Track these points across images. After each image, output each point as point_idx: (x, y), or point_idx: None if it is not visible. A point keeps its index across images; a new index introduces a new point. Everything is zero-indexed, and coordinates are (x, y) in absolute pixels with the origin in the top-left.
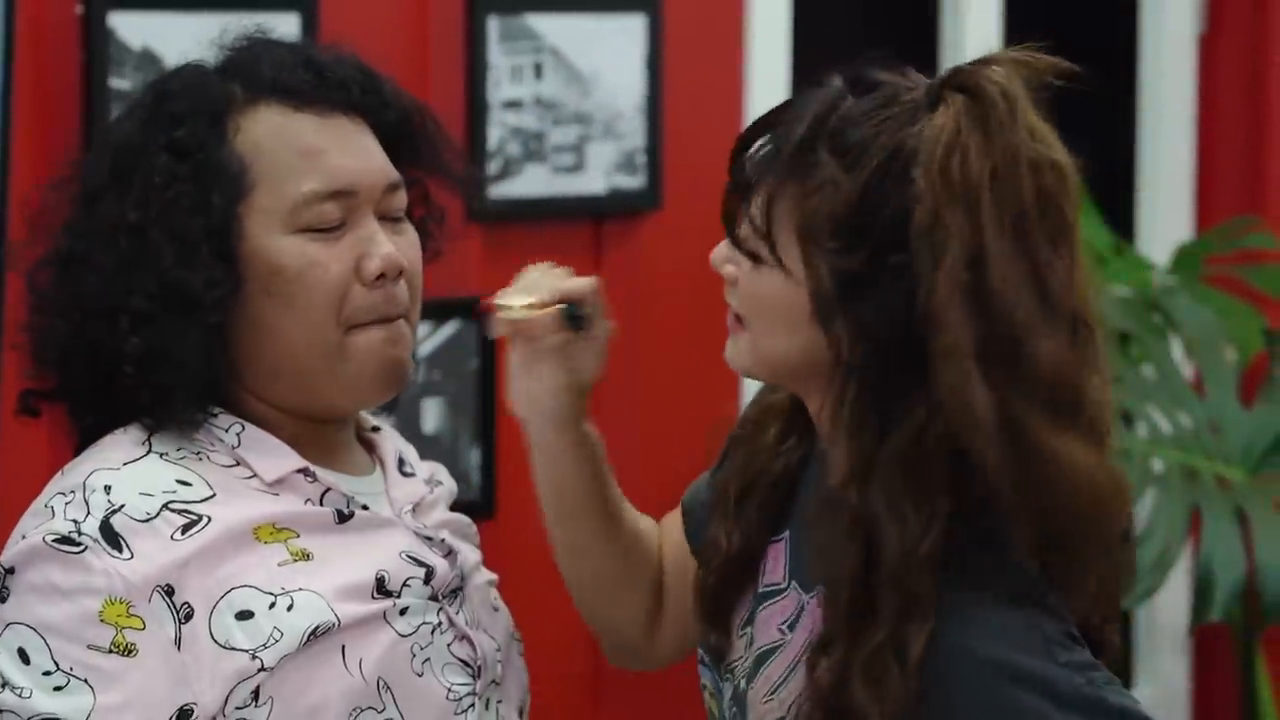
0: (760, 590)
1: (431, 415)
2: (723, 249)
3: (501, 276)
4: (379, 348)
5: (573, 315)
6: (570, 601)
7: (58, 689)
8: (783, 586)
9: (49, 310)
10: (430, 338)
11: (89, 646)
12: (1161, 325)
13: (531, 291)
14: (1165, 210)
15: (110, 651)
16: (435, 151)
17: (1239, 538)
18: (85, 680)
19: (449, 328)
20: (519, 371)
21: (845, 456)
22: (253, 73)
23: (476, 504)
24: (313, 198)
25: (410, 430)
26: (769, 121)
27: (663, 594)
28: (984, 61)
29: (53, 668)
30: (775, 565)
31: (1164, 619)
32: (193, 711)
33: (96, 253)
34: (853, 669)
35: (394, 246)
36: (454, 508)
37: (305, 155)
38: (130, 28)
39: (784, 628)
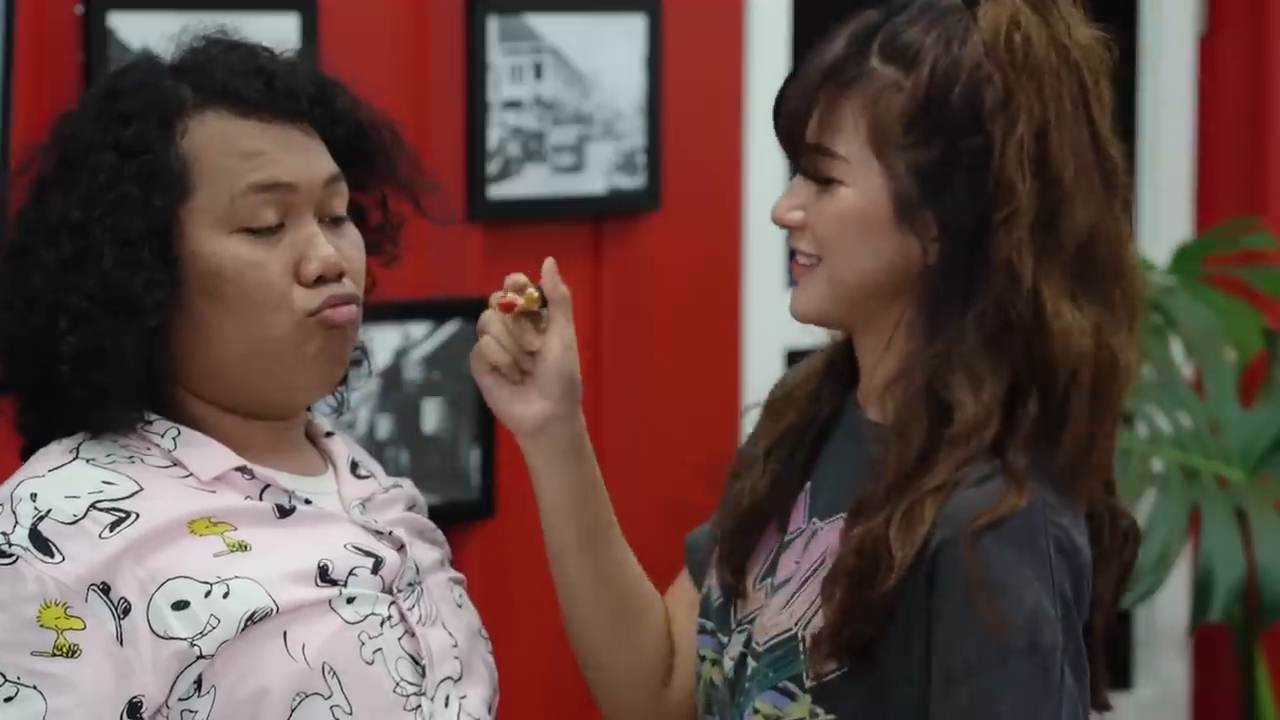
0: (784, 539)
1: (431, 415)
2: (782, 198)
3: (501, 276)
4: (323, 335)
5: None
6: None
7: (8, 700)
8: (803, 528)
9: None
10: (430, 338)
11: (33, 653)
12: (1161, 325)
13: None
14: (1165, 210)
15: (54, 655)
16: (391, 165)
17: (1239, 538)
18: (34, 687)
19: (449, 328)
20: (494, 394)
21: (923, 337)
22: (204, 77)
23: (476, 504)
24: (249, 189)
25: (410, 430)
26: (809, 58)
27: (673, 657)
28: None
29: (1, 680)
30: (797, 514)
31: (1164, 619)
32: (141, 704)
33: (40, 248)
34: (894, 515)
35: (333, 249)
36: (452, 507)
37: (245, 157)
38: (130, 28)
39: (797, 561)
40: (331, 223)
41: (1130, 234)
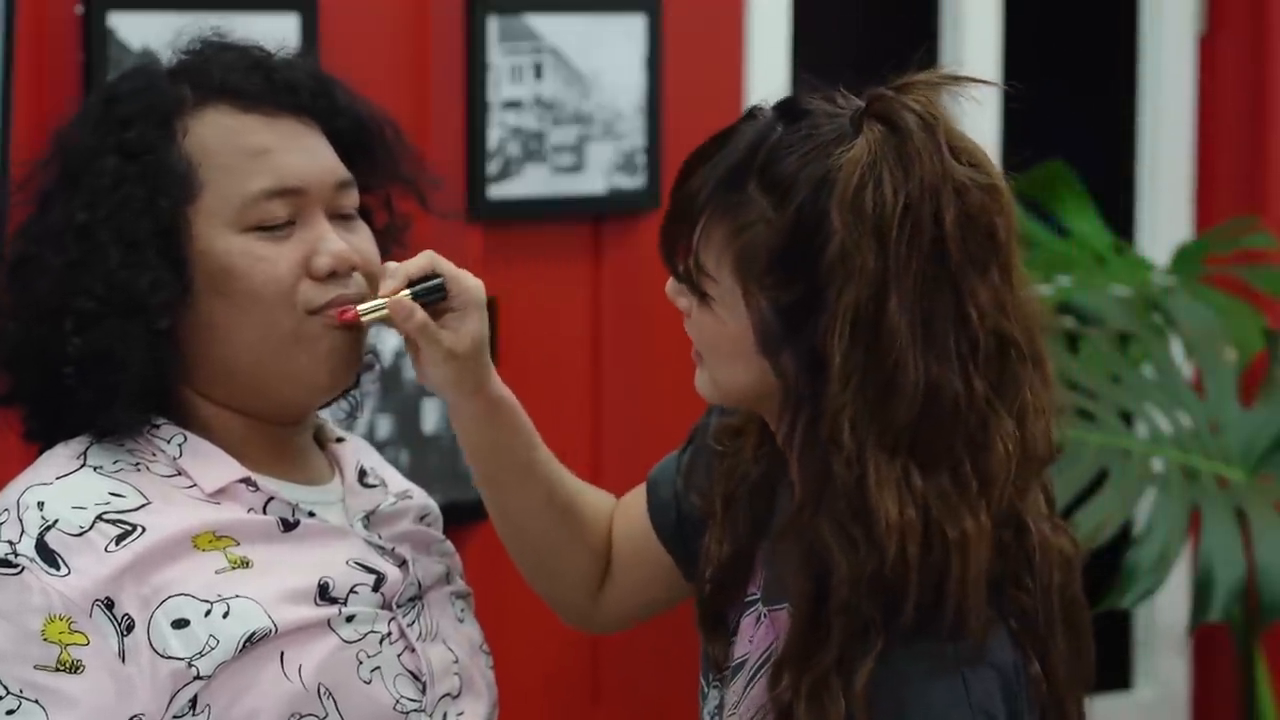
0: (745, 598)
1: (431, 415)
2: (675, 283)
3: (501, 276)
4: (335, 333)
5: (424, 291)
6: None
7: (10, 713)
8: (757, 596)
9: (2, 312)
10: None
11: (36, 666)
12: (1161, 325)
13: (383, 288)
14: (1165, 210)
15: (57, 670)
16: (393, 160)
17: (1239, 538)
18: (36, 701)
19: None
20: (412, 352)
21: (799, 482)
22: (202, 75)
23: (476, 504)
24: (261, 196)
25: (410, 430)
26: (705, 154)
27: (609, 564)
28: (904, 86)
29: (3, 692)
30: (755, 575)
31: (1164, 619)
32: None
33: (46, 254)
34: (800, 691)
35: (345, 244)
36: (451, 507)
37: (252, 155)
38: (130, 28)
39: (750, 639)
40: (342, 219)
41: (1010, 388)
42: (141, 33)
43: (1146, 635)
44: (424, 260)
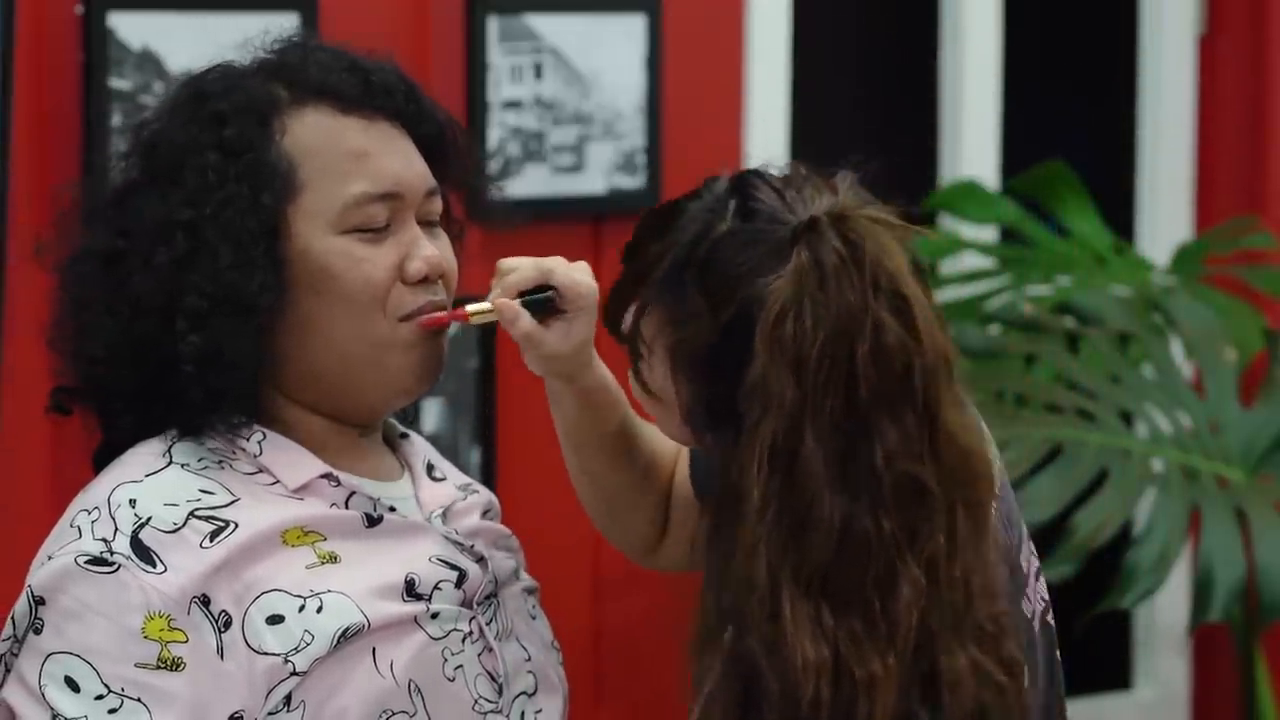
0: None
1: (431, 415)
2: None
3: None
4: (425, 339)
5: (534, 302)
6: (571, 602)
7: (112, 711)
8: None
9: (93, 308)
10: None
11: (137, 664)
12: (1161, 325)
13: (496, 289)
14: (1165, 210)
15: (158, 667)
16: (464, 167)
17: (1239, 538)
18: (139, 699)
19: (449, 328)
20: (524, 344)
21: (711, 588)
22: (298, 75)
23: None
24: (362, 199)
25: (409, 429)
26: (655, 227)
27: (668, 514)
28: (840, 217)
29: (104, 691)
30: None
31: (1164, 619)
32: (242, 718)
33: (148, 250)
34: None
35: (436, 250)
36: None
37: (353, 157)
38: (130, 28)
39: None
40: (427, 226)
41: (912, 541)
42: (141, 33)
43: (1146, 635)
44: (534, 272)
